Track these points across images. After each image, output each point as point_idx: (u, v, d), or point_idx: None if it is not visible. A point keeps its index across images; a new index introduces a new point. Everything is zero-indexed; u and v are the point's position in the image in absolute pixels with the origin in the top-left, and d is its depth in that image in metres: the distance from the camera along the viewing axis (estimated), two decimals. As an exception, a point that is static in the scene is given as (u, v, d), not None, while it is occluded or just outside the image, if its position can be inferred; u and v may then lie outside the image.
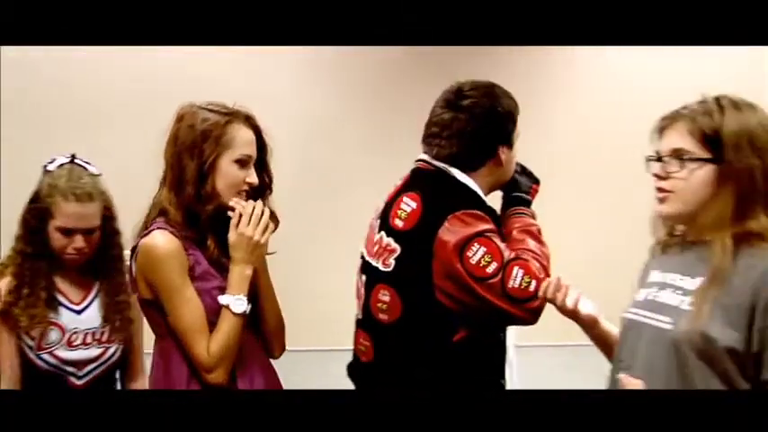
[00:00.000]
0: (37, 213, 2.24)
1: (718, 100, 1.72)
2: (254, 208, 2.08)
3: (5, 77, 3.64)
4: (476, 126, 2.09)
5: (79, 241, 2.24)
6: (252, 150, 2.11)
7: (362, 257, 2.20)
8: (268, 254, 2.18)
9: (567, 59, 4.12)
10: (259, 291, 2.16)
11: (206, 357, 2.04)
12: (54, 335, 2.26)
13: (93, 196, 2.24)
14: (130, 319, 2.36)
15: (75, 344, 2.28)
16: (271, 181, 2.20)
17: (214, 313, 2.06)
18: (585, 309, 1.93)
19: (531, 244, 2.11)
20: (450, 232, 2.00)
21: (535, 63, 4.08)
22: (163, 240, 2.06)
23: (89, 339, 2.30)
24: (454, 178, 2.10)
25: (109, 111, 3.81)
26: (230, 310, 2.04)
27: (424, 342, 2.05)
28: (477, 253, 1.99)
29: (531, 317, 2.03)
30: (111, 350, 2.34)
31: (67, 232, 2.22)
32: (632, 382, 1.67)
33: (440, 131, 2.11)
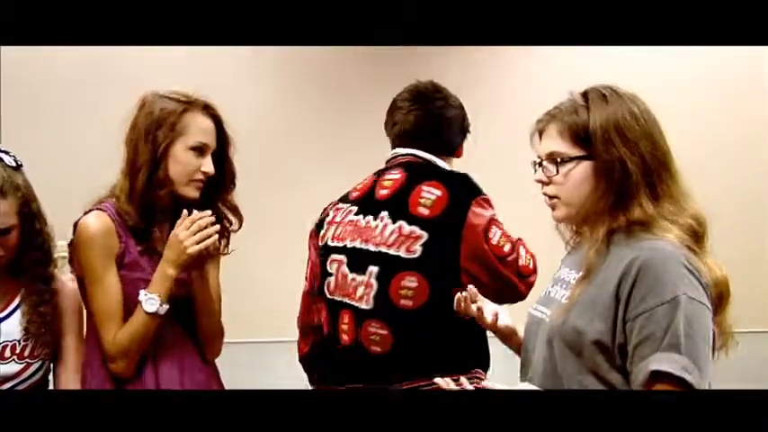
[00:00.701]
0: None
1: (585, 94, 1.72)
2: (201, 217, 2.06)
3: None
4: (454, 115, 2.33)
5: None
6: (208, 139, 2.12)
7: (350, 252, 2.25)
8: (224, 254, 2.23)
9: (507, 59, 4.13)
10: (194, 297, 2.16)
11: (109, 345, 2.07)
12: None
13: (4, 191, 1.95)
14: (53, 334, 2.08)
15: None
16: (233, 175, 2.21)
17: (133, 301, 2.08)
18: (503, 321, 1.93)
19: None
20: (477, 216, 2.18)
21: (470, 63, 4.08)
22: (93, 221, 2.08)
23: (7, 353, 2.00)
24: (442, 168, 2.29)
25: (57, 105, 3.80)
26: (141, 307, 2.06)
27: (447, 323, 2.14)
28: (495, 234, 2.18)
29: (528, 291, 2.22)
30: (34, 367, 2.04)
31: None
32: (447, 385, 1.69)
33: (426, 125, 2.29)
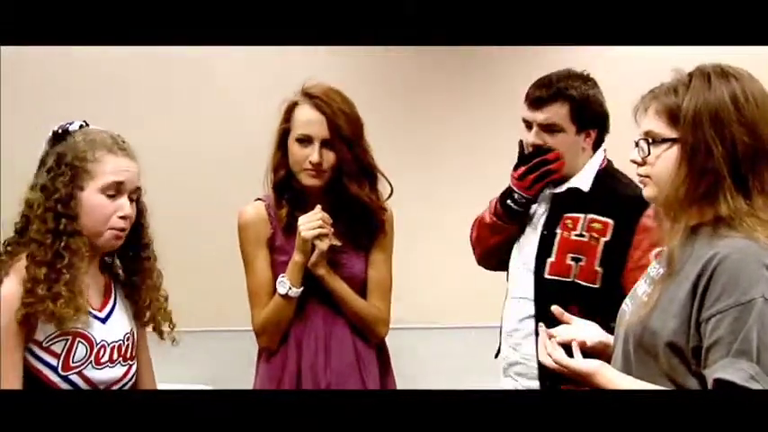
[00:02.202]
0: (68, 179, 1.78)
1: (691, 73, 1.61)
2: (318, 215, 2.20)
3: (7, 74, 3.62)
4: None
5: (127, 206, 1.81)
6: (311, 131, 2.21)
7: None
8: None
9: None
10: (330, 291, 2.27)
11: (253, 322, 2.29)
12: (82, 349, 1.78)
13: (134, 156, 1.87)
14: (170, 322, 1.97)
15: (102, 361, 1.81)
16: (353, 165, 2.24)
17: None
18: (593, 339, 1.78)
19: None
20: None
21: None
22: (246, 211, 2.31)
23: (115, 355, 1.84)
24: None
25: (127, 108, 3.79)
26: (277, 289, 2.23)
27: None
28: None
29: None
30: (134, 368, 1.90)
31: (114, 193, 1.80)
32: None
33: None
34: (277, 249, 2.28)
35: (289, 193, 2.28)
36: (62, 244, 1.76)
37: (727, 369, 1.45)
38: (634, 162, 1.66)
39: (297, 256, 2.22)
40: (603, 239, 2.28)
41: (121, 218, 1.81)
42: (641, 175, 1.65)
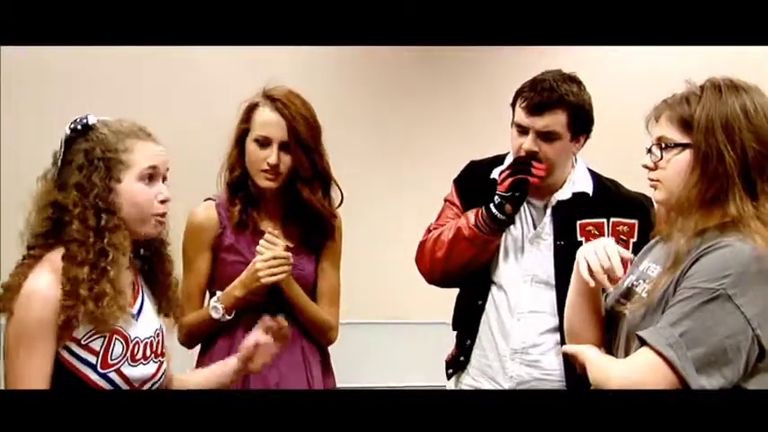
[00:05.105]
0: (104, 173, 1.76)
1: (703, 85, 1.71)
2: (284, 256, 2.20)
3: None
4: None
5: (165, 190, 1.82)
6: (271, 132, 2.22)
7: None
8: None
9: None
10: (288, 300, 2.27)
11: (180, 320, 2.14)
12: (119, 347, 1.77)
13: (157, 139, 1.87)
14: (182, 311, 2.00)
15: (137, 358, 1.80)
16: (309, 169, 2.24)
17: (228, 281, 2.25)
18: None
19: None
20: None
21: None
22: (197, 212, 2.30)
23: (148, 352, 1.83)
24: None
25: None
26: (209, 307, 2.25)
27: None
28: None
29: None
30: (164, 365, 1.89)
31: (150, 179, 1.80)
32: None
33: None
34: (226, 248, 2.27)
35: (242, 192, 2.28)
36: (105, 241, 1.74)
37: (651, 330, 1.57)
38: (646, 167, 1.74)
39: (239, 293, 2.22)
40: (632, 241, 2.24)
41: (161, 202, 1.82)
42: (652, 179, 1.74)
